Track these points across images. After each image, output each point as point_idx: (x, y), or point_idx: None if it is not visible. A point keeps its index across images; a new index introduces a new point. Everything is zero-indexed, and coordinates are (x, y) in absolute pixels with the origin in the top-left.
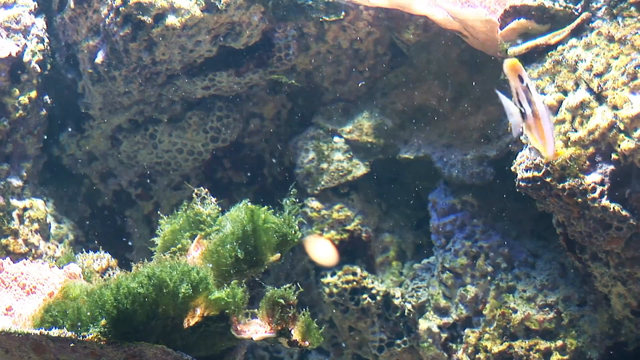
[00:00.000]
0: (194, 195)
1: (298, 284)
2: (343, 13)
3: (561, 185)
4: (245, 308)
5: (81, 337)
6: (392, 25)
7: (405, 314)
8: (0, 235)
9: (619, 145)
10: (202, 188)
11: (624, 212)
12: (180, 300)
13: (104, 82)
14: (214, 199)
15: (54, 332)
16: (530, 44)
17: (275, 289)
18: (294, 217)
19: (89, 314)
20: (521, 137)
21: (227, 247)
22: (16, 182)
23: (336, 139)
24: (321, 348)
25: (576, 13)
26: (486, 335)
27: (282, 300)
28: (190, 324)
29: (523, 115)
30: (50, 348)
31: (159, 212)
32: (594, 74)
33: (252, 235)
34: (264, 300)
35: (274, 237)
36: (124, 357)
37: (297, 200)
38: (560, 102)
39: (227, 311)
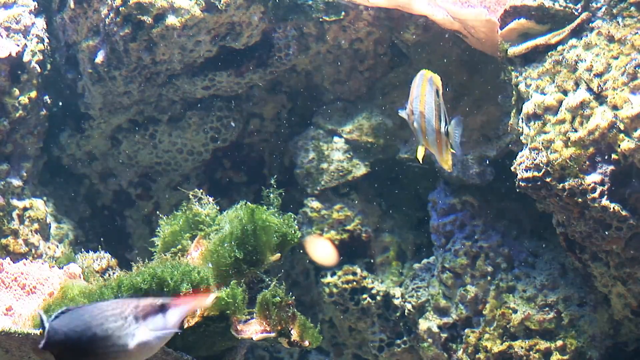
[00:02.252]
0: (191, 197)
1: (296, 283)
2: (343, 13)
3: (561, 185)
4: (245, 308)
5: None
6: (392, 25)
7: (405, 314)
8: (0, 235)
9: (619, 145)
10: (196, 190)
11: (624, 212)
12: None
13: (104, 82)
14: (211, 199)
15: None
16: (530, 44)
17: (264, 290)
18: (277, 206)
19: None
20: (521, 137)
21: (226, 247)
22: (16, 182)
23: (336, 139)
24: (321, 348)
25: (576, 13)
26: (486, 335)
27: (278, 299)
28: (190, 324)
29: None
30: None
31: (158, 212)
32: (594, 74)
33: (252, 235)
34: (258, 302)
35: (274, 237)
36: None
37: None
38: (560, 102)
39: (228, 311)
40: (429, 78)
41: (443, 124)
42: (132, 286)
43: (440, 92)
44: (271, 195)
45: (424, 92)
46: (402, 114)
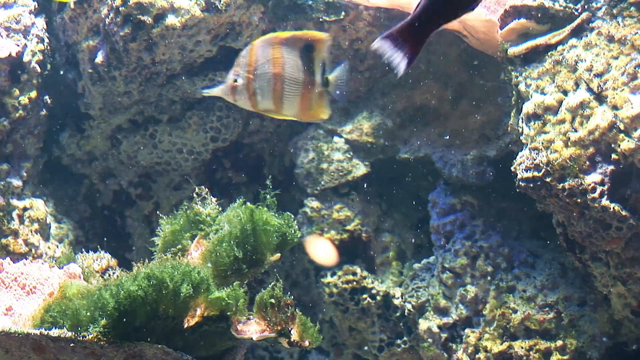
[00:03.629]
0: (195, 195)
1: (296, 283)
2: (343, 13)
3: (561, 185)
4: (245, 308)
5: (81, 337)
6: (392, 25)
7: (405, 314)
8: (0, 235)
9: (619, 145)
10: (202, 187)
11: (624, 212)
12: (181, 300)
13: (104, 82)
14: (214, 199)
15: (54, 332)
16: (530, 44)
17: (263, 290)
18: (274, 207)
19: (88, 314)
20: (521, 137)
21: (225, 246)
22: (16, 182)
23: (336, 139)
24: (321, 348)
25: (576, 13)
26: (486, 335)
27: (273, 300)
28: (191, 324)
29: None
30: (50, 348)
31: (159, 212)
32: (594, 74)
33: (251, 234)
34: (256, 302)
35: (273, 237)
36: (124, 357)
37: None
38: (560, 102)
39: (229, 313)
40: (284, 39)
41: (319, 74)
42: (128, 291)
43: (320, 46)
44: (267, 197)
45: (280, 55)
46: (214, 91)
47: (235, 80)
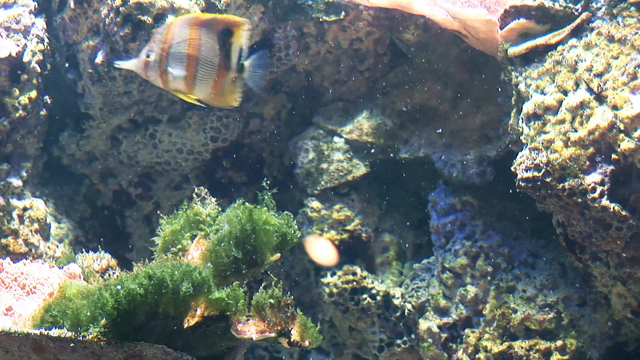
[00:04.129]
0: (194, 195)
1: (296, 283)
2: (343, 13)
3: (561, 185)
4: (245, 308)
5: (81, 337)
6: (392, 25)
7: (405, 314)
8: (0, 235)
9: (619, 145)
10: (202, 187)
11: (624, 212)
12: (181, 299)
13: (104, 82)
14: (213, 199)
15: (54, 332)
16: (530, 44)
17: (261, 290)
18: (273, 207)
19: (88, 314)
20: (521, 137)
21: (224, 246)
22: (16, 182)
23: (336, 139)
24: (321, 348)
25: (576, 13)
26: (486, 335)
27: (271, 300)
28: (191, 324)
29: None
30: (50, 348)
31: (159, 212)
32: (594, 74)
33: (251, 234)
34: (253, 303)
35: (273, 237)
36: (124, 357)
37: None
38: (560, 102)
39: (228, 312)
40: (203, 21)
41: (234, 60)
42: (128, 289)
43: (239, 31)
44: (265, 198)
45: (197, 36)
46: (126, 64)
47: (148, 56)
